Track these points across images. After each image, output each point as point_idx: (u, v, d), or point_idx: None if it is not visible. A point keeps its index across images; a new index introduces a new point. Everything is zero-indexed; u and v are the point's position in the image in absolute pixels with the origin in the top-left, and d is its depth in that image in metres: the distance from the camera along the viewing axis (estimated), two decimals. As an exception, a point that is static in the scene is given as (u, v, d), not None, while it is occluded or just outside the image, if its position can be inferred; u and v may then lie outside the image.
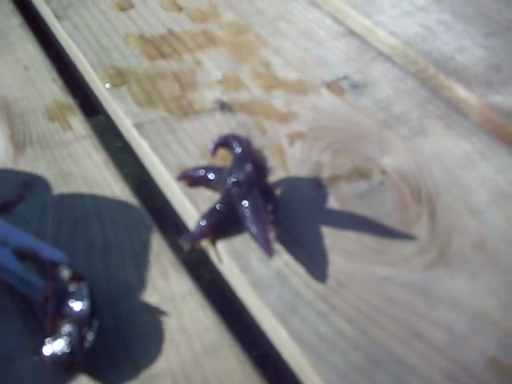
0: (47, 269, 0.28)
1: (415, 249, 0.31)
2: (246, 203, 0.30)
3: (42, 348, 0.26)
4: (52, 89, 0.40)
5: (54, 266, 0.28)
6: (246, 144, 0.31)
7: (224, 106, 0.39)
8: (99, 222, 0.32)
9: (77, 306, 0.27)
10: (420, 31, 0.45)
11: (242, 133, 0.36)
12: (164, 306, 0.29)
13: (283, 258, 0.30)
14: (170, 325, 0.28)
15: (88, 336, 0.26)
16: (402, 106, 0.39)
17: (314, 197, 0.33)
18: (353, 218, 0.32)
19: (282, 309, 0.28)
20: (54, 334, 0.26)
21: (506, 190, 0.34)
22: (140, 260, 0.31)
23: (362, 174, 0.35)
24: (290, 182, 0.34)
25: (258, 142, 0.36)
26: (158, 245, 0.31)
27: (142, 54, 0.42)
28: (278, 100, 0.39)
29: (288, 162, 0.35)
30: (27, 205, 0.33)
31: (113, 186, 0.34)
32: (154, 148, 0.36)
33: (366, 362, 0.27)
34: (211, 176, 0.32)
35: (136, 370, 0.26)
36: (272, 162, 0.35)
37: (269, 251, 0.29)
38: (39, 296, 0.28)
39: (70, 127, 0.38)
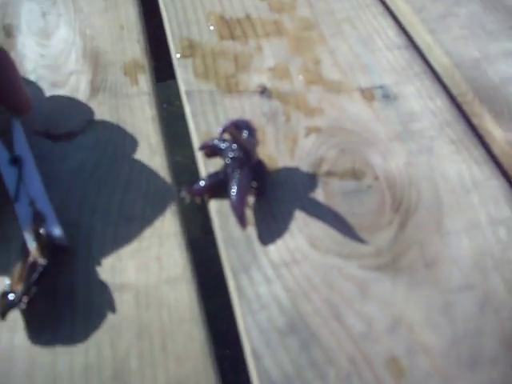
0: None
1: (372, 250, 0.36)
2: (234, 176, 0.36)
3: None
4: (134, 49, 0.48)
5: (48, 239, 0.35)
6: (232, 130, 0.36)
7: (264, 91, 0.44)
8: (130, 163, 0.40)
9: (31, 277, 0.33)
10: (476, 56, 0.47)
11: (269, 116, 0.42)
12: (152, 238, 0.36)
13: (255, 226, 0.36)
14: (150, 252, 0.35)
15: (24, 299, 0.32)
16: (420, 124, 0.42)
17: (304, 185, 0.39)
18: (330, 211, 0.37)
19: (238, 266, 0.35)
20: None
21: (482, 223, 0.37)
22: (149, 200, 0.38)
23: (355, 175, 0.39)
24: (290, 168, 0.39)
25: (279, 127, 0.42)
26: (167, 191, 0.39)
27: (215, 31, 0.49)
28: (313, 95, 0.44)
29: (297, 150, 0.41)
30: (85, 137, 0.42)
31: (151, 137, 0.42)
32: (194, 114, 0.43)
33: (285, 326, 0.32)
34: (223, 146, 0.38)
35: (109, 280, 0.34)
36: (283, 147, 0.41)
37: (241, 222, 0.35)
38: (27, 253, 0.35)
39: (137, 83, 0.46)
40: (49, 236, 0.35)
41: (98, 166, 0.40)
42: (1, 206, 0.38)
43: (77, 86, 0.46)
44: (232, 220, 0.36)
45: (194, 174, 0.41)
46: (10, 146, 0.40)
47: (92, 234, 0.37)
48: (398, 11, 0.52)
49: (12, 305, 0.32)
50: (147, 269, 0.35)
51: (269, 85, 0.45)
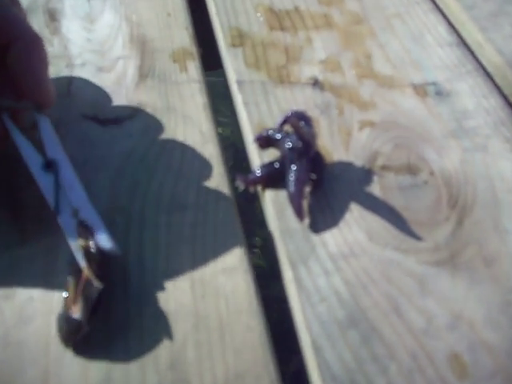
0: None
1: (430, 246, 0.35)
2: (293, 167, 0.36)
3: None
4: (183, 36, 0.48)
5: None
6: (293, 120, 0.36)
7: (316, 84, 0.44)
8: (181, 151, 0.40)
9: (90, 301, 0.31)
10: (529, 56, 0.47)
11: (322, 109, 0.42)
12: (206, 227, 0.36)
13: (312, 218, 0.36)
14: (205, 241, 0.35)
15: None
16: (474, 122, 0.42)
17: (360, 178, 0.38)
18: (387, 205, 0.37)
19: (296, 257, 0.34)
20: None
21: (540, 221, 0.36)
22: (202, 188, 0.38)
23: (411, 170, 0.39)
24: (346, 162, 0.39)
25: (333, 119, 0.41)
26: (220, 180, 0.38)
27: (265, 22, 0.49)
28: (366, 89, 0.44)
29: (351, 143, 0.40)
30: (134, 122, 0.42)
31: (203, 125, 0.41)
32: (246, 103, 0.42)
33: (345, 319, 0.32)
34: (278, 136, 0.38)
35: (163, 268, 0.34)
36: (337, 140, 0.40)
37: (299, 214, 0.35)
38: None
39: (187, 70, 0.45)
40: (99, 250, 0.32)
41: (148, 152, 0.40)
42: (42, 216, 0.36)
43: (124, 72, 0.45)
44: (288, 211, 0.36)
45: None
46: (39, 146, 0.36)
47: (144, 222, 0.36)
48: (448, 9, 0.52)
49: (78, 330, 0.30)
50: (203, 258, 0.34)
51: (320, 77, 0.44)
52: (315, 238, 0.35)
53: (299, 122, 0.36)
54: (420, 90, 0.44)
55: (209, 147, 0.40)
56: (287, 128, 0.37)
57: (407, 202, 0.37)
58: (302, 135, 0.36)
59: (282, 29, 0.48)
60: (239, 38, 0.47)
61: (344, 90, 0.44)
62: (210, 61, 0.50)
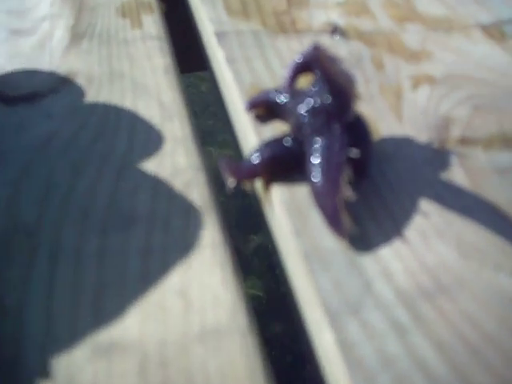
0: None
1: None
2: (317, 141, 0.20)
3: None
4: (135, -17, 0.33)
5: None
6: (323, 59, 0.21)
7: (336, 31, 0.29)
8: (128, 134, 0.24)
9: None
10: None
11: (351, 63, 0.27)
12: (167, 254, 0.20)
13: (361, 229, 0.20)
14: (167, 281, 0.19)
15: None
16: None
17: (430, 160, 0.23)
18: (483, 200, 0.21)
19: (338, 303, 0.18)
20: None
21: None
22: (161, 191, 0.22)
23: (509, 142, 0.23)
24: (401, 135, 0.24)
25: (370, 77, 0.26)
26: (193, 174, 0.23)
27: (252, -39, 0.34)
28: (411, 35, 0.29)
29: (405, 108, 0.25)
30: (56, 99, 0.26)
31: (163, 94, 0.26)
32: (231, 61, 0.27)
33: (449, 420, 0.16)
34: (284, 99, 0.23)
35: (88, 334, 0.18)
36: (382, 104, 0.25)
37: (334, 225, 0.19)
38: None
39: (141, 25, 0.30)
40: None
41: (74, 139, 0.25)
42: None
43: (50, 34, 0.31)
44: (315, 219, 0.20)
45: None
46: None
47: (60, 249, 0.20)
48: None
49: None
50: (164, 312, 0.19)
51: (341, 22, 0.30)
52: (369, 265, 0.19)
53: (325, 60, 0.21)
54: (493, 31, 0.29)
55: (173, 126, 0.24)
56: (300, 85, 0.22)
57: (513, 193, 0.22)
58: (335, 82, 0.20)
59: (279, -33, 0.34)
60: (217, -18, 0.33)
61: (379, 36, 0.29)
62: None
